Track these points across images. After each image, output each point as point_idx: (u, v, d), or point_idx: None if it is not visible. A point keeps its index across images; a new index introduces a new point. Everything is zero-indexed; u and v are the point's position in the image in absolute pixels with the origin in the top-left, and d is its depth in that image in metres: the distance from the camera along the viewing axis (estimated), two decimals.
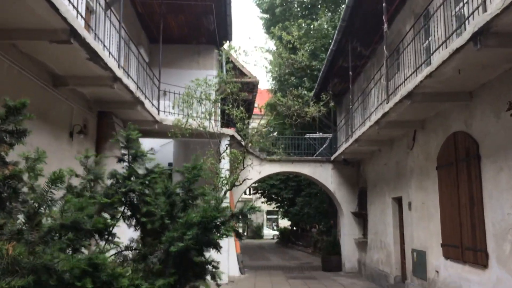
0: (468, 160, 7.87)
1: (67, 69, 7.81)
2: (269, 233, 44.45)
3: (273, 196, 31.24)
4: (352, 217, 17.23)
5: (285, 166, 17.71)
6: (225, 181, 8.45)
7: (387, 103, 9.59)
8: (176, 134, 9.80)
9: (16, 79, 7.05)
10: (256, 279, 15.20)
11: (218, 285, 3.82)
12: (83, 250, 3.24)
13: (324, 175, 17.62)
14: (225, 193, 8.69)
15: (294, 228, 33.80)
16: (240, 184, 9.67)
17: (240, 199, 49.77)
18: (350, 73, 14.24)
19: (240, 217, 3.68)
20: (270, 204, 33.98)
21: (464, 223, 7.96)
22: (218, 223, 3.54)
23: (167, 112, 12.45)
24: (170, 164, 16.93)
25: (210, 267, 3.72)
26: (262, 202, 36.06)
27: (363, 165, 16.52)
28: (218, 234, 3.59)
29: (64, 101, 8.75)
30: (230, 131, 14.34)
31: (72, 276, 2.74)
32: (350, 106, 14.88)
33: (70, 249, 3.09)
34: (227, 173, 8.70)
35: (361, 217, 16.75)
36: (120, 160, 4.12)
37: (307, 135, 19.35)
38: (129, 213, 3.98)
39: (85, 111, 9.88)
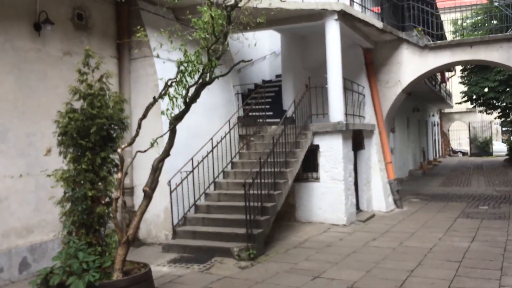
0: None
1: None
2: (501, 148, 35.83)
3: (491, 102, 23.99)
4: None
5: (458, 53, 11.89)
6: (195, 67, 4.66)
7: None
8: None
9: None
10: (408, 217, 10.83)
11: None
12: None
13: None
14: (198, 89, 4.84)
15: None
16: (232, 68, 5.46)
17: (453, 110, 41.06)
18: None
19: None
20: (489, 114, 26.43)
21: None
22: None
23: None
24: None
25: None
26: (480, 111, 28.52)
27: None
28: None
29: None
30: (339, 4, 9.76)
31: None
32: None
33: None
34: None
35: None
36: None
37: None
38: None
39: None
